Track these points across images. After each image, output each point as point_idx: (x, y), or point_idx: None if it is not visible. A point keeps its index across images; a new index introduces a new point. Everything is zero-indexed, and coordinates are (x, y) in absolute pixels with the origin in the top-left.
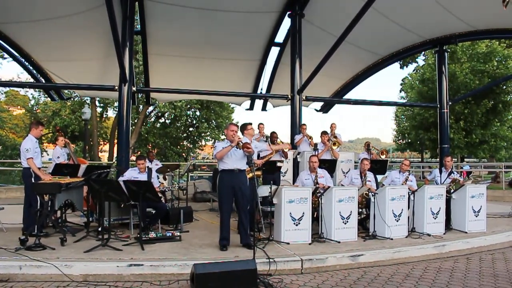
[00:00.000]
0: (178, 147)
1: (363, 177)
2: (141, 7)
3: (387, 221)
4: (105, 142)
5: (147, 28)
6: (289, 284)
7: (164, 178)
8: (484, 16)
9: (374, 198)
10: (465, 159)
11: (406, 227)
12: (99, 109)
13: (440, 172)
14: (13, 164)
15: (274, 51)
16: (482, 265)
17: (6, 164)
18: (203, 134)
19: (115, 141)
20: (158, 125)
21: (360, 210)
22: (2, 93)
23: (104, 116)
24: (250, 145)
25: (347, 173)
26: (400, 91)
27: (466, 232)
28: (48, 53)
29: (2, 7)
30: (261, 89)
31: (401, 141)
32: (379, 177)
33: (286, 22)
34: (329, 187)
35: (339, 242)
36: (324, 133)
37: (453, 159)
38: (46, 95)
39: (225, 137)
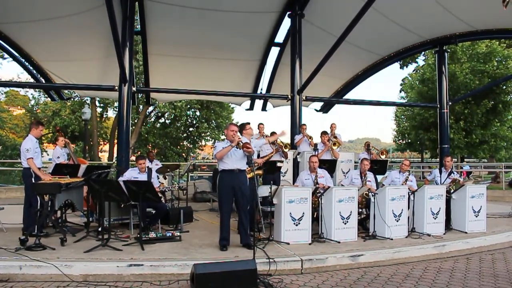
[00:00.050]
0: (178, 147)
1: (363, 177)
2: (141, 7)
3: (387, 221)
4: (105, 142)
5: (147, 28)
6: (289, 284)
7: (164, 178)
8: (484, 16)
9: (374, 198)
10: (465, 159)
11: (406, 227)
12: (99, 109)
13: (440, 172)
14: (13, 164)
15: (274, 51)
16: (482, 265)
17: (6, 164)
18: (203, 134)
19: (115, 141)
20: (158, 125)
21: (360, 210)
22: (2, 93)
23: (104, 116)
24: (250, 145)
25: (347, 173)
26: (400, 91)
27: (466, 232)
28: (48, 53)
29: (2, 7)
30: (261, 89)
31: (401, 141)
32: (379, 177)
33: (286, 22)
34: (329, 187)
35: (339, 242)
36: (324, 133)
37: (453, 159)
38: (46, 95)
39: (225, 137)
